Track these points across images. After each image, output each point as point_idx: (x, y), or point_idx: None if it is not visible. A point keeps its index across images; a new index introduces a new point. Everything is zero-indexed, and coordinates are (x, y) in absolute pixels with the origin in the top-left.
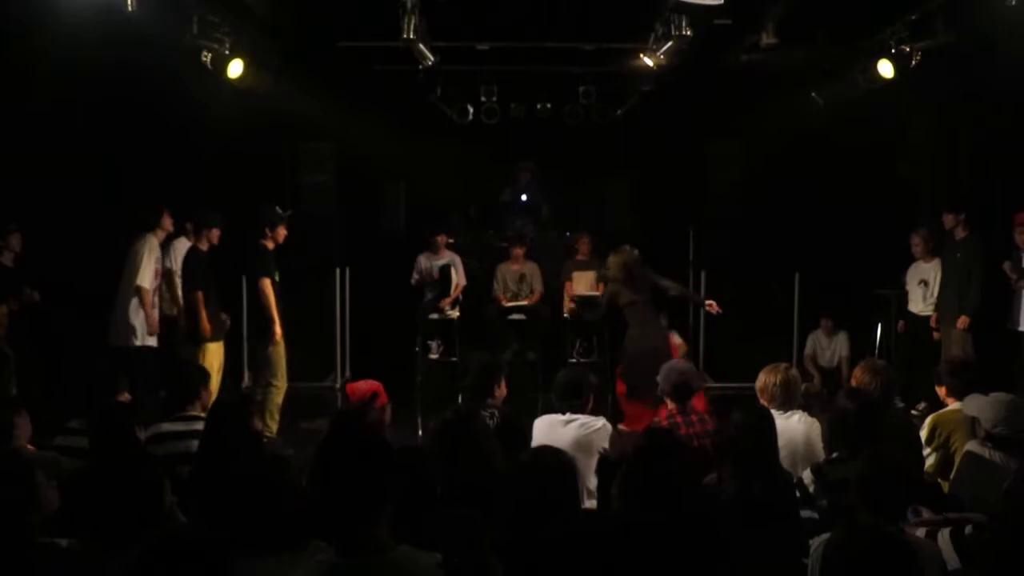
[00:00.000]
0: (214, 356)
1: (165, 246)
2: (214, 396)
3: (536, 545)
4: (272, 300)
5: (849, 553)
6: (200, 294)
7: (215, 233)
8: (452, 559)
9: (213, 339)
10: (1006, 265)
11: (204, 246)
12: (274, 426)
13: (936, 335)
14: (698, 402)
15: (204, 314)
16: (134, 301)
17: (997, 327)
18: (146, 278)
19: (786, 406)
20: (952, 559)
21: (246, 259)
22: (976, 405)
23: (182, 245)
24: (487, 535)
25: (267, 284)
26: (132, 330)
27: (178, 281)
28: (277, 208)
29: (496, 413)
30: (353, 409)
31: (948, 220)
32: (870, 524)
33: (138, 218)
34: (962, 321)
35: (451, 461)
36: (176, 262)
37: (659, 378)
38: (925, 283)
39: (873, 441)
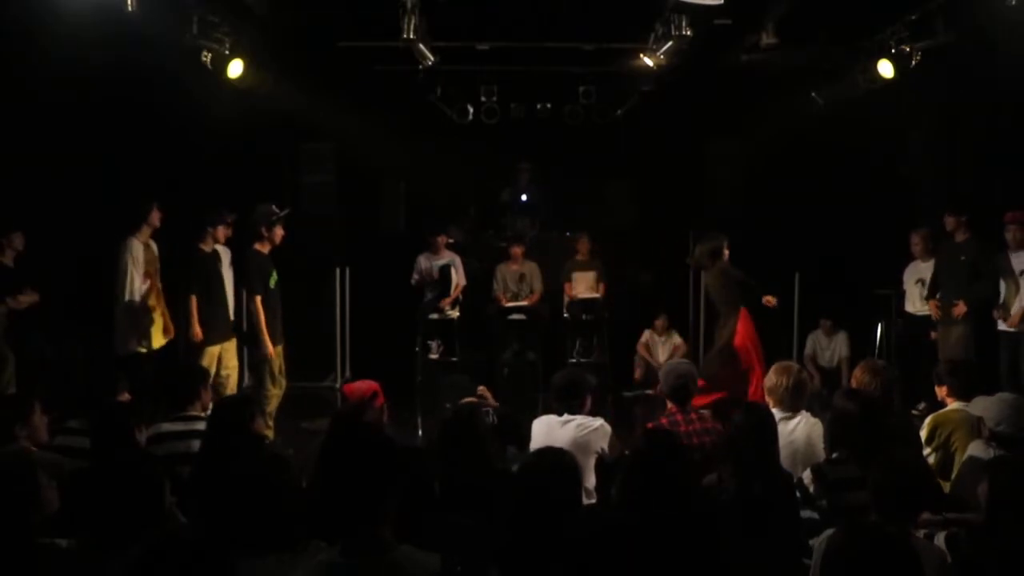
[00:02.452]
0: (228, 356)
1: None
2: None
3: (537, 545)
4: (262, 318)
5: (850, 552)
6: (193, 298)
7: (220, 231)
8: (452, 567)
9: (214, 342)
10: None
11: (208, 246)
12: (269, 433)
13: (934, 335)
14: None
15: (195, 318)
16: (118, 311)
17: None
18: (127, 288)
19: (792, 407)
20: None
21: (241, 265)
22: (982, 405)
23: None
24: (487, 543)
25: (258, 301)
26: (123, 339)
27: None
28: (273, 207)
29: (491, 412)
30: (352, 408)
31: (949, 222)
32: (871, 523)
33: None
34: (959, 309)
35: (451, 461)
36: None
37: (660, 377)
38: (923, 282)
39: (874, 441)
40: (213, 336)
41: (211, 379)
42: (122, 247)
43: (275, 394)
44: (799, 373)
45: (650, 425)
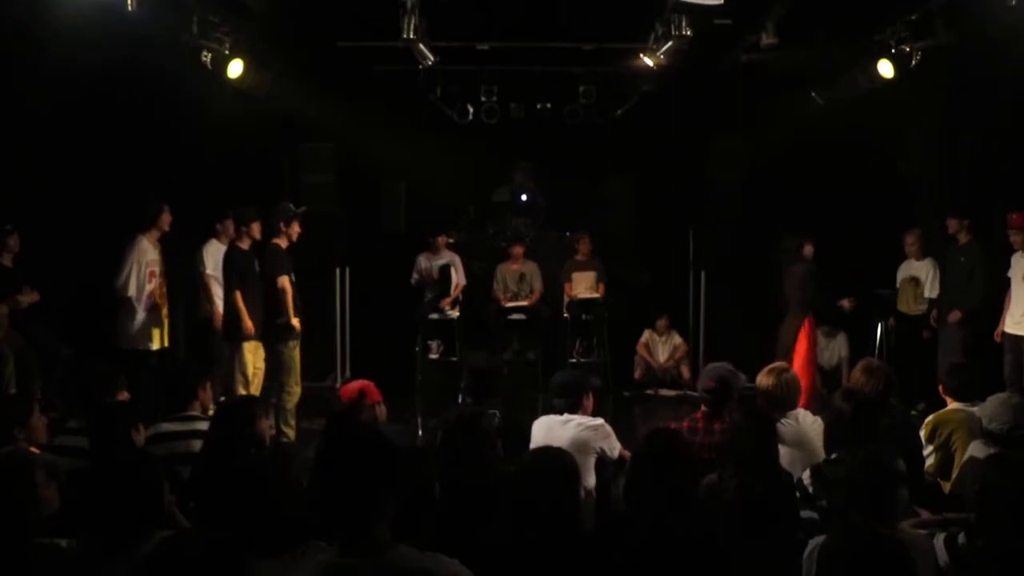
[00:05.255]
0: (255, 355)
1: (191, 248)
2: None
3: (535, 544)
4: (290, 298)
5: (843, 556)
6: (239, 293)
7: (256, 227)
8: None
9: (256, 336)
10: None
11: (245, 244)
12: (291, 432)
13: (926, 334)
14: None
15: (244, 313)
16: (121, 306)
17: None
18: (129, 283)
19: (785, 407)
20: (945, 562)
21: (259, 258)
22: (982, 405)
23: (213, 247)
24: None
25: (285, 281)
26: (121, 334)
27: (213, 283)
28: (291, 205)
29: (497, 414)
30: (345, 409)
31: (952, 225)
32: (864, 526)
33: (135, 217)
34: (953, 315)
35: (452, 462)
36: (208, 264)
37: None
38: (916, 281)
39: (871, 441)
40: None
41: (249, 374)
42: (129, 244)
43: (296, 392)
44: (783, 373)
45: (674, 426)
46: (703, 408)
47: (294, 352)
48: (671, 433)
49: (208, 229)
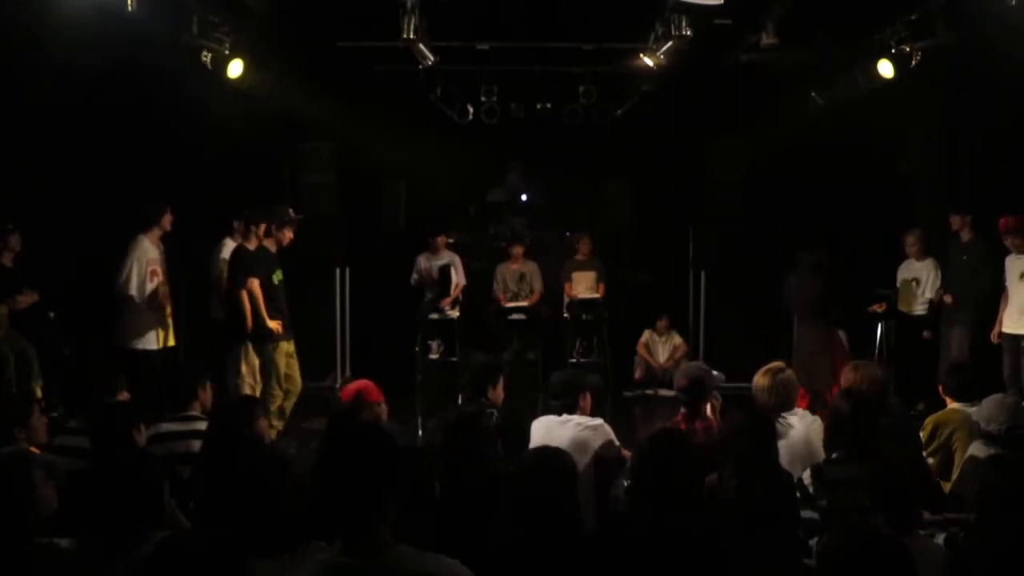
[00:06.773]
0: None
1: (192, 249)
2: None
3: (538, 545)
4: (260, 301)
5: (843, 556)
6: (243, 292)
7: (264, 227)
8: None
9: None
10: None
11: (252, 244)
12: (272, 433)
13: (926, 334)
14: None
15: (248, 311)
16: (122, 305)
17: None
18: (131, 282)
19: (783, 408)
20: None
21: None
22: (978, 407)
23: (228, 247)
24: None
25: (255, 285)
26: (123, 333)
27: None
28: (290, 210)
29: (496, 413)
30: (348, 407)
31: (955, 222)
32: (864, 526)
33: (136, 217)
34: (947, 297)
35: (452, 462)
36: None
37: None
38: (917, 282)
39: (867, 441)
40: None
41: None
42: (131, 243)
43: (278, 394)
44: (778, 374)
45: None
46: (681, 410)
47: (273, 355)
48: (675, 433)
49: (224, 228)
